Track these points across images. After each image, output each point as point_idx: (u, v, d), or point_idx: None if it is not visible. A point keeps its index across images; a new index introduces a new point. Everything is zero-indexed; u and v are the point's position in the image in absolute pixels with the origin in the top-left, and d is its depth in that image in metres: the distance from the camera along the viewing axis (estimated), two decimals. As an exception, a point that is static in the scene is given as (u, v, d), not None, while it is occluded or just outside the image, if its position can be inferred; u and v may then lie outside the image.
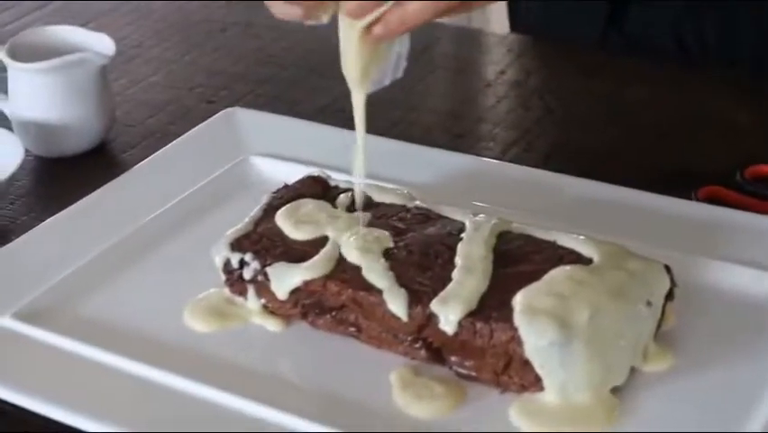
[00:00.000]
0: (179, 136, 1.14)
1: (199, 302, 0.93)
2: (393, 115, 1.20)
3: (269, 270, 0.89)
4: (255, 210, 0.95)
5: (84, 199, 1.05)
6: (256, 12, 1.47)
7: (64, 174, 1.14)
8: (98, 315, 0.93)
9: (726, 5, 1.25)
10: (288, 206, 0.94)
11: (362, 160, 0.91)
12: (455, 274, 0.86)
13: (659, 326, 0.87)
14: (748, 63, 1.26)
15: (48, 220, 1.02)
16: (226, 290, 0.93)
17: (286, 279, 0.88)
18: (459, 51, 1.39)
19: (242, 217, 0.95)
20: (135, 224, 1.01)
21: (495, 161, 1.10)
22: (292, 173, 1.01)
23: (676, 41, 1.30)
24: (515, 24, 1.45)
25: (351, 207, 0.94)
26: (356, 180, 0.93)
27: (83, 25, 1.29)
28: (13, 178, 1.05)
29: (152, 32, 1.43)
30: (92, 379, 0.86)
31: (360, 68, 0.87)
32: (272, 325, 0.90)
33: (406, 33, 0.86)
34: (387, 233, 0.90)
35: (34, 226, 1.02)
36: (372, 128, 1.12)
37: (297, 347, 0.89)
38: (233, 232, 0.93)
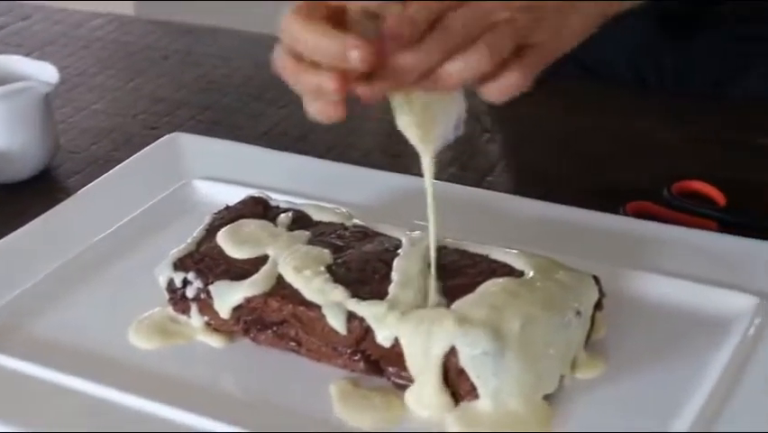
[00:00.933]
0: (123, 162, 1.17)
1: (144, 321, 0.95)
2: (330, 138, 1.23)
3: (211, 288, 0.92)
4: (197, 231, 0.97)
5: (29, 224, 1.06)
6: (196, 40, 1.50)
7: (8, 200, 1.16)
8: (46, 335, 0.94)
9: (683, 37, 1.29)
10: (229, 226, 0.97)
11: (433, 219, 0.90)
12: (391, 289, 0.88)
13: (589, 335, 0.90)
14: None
15: (-8, 245, 1.04)
16: (170, 309, 0.95)
17: (228, 296, 0.91)
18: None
19: (185, 239, 0.97)
20: (81, 246, 1.03)
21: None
22: (233, 196, 1.03)
23: (634, 72, 1.34)
24: None
25: (291, 226, 0.97)
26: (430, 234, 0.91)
27: (26, 55, 1.32)
28: (-43, 204, 1.07)
29: (95, 61, 1.45)
30: (39, 396, 0.88)
31: (426, 132, 0.86)
32: (215, 341, 0.93)
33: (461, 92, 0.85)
34: (326, 250, 0.93)
35: (-22, 251, 1.03)
36: (312, 151, 1.15)
37: (239, 362, 0.91)
38: (176, 252, 0.95)
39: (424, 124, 0.85)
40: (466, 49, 0.80)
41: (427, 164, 0.88)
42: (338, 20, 0.81)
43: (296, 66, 0.82)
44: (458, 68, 0.80)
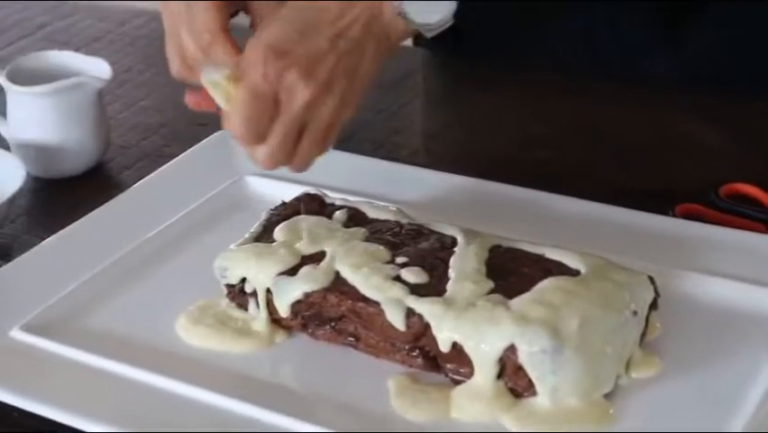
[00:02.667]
0: (173, 157, 1.18)
1: (198, 314, 0.96)
2: (377, 137, 1.24)
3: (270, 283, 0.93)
4: (255, 226, 0.98)
5: (83, 219, 1.08)
6: (241, 36, 1.50)
7: (62, 194, 1.17)
8: (102, 327, 0.96)
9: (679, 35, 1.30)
10: (286, 222, 0.98)
11: None
12: (450, 286, 0.89)
13: (644, 334, 0.91)
14: (718, 86, 1.29)
15: (50, 238, 1.05)
16: (226, 302, 0.96)
17: (287, 292, 0.92)
18: (441, 80, 1.43)
19: (238, 235, 0.98)
20: (135, 241, 1.05)
21: (480, 179, 1.13)
22: (285, 192, 1.04)
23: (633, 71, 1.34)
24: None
25: (347, 223, 0.98)
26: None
27: (74, 51, 1.32)
28: (14, 198, 1.08)
29: (141, 58, 1.47)
30: (94, 384, 0.90)
31: None
32: (273, 336, 0.94)
33: None
34: (382, 247, 0.94)
35: (35, 245, 1.05)
36: (360, 149, 1.16)
37: (297, 356, 0.93)
38: (234, 246, 0.96)
39: None
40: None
41: None
42: None
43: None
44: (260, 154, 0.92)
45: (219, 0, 0.95)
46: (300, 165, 0.93)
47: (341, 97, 0.90)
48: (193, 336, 0.94)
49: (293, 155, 0.92)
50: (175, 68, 0.98)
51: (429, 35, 0.94)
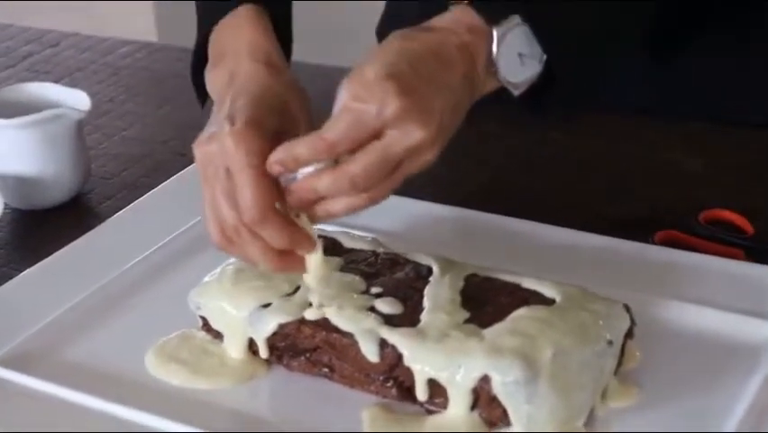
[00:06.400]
0: (153, 188, 1.18)
1: (171, 346, 0.96)
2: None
3: (245, 315, 0.93)
4: (230, 259, 0.98)
5: (63, 249, 1.08)
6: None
7: (41, 226, 1.17)
8: (78, 360, 0.95)
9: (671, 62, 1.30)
10: (261, 253, 0.98)
11: None
12: (423, 316, 0.89)
13: (620, 363, 0.91)
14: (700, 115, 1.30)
15: (29, 270, 1.05)
16: (202, 333, 0.96)
17: (262, 323, 0.92)
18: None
19: (217, 265, 0.98)
20: (113, 272, 1.05)
21: (458, 208, 1.13)
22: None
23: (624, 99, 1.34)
24: None
25: (323, 253, 0.97)
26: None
27: (55, 82, 1.33)
28: (-8, 230, 1.08)
29: (124, 88, 1.47)
30: (71, 420, 0.89)
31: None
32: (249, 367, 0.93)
33: None
34: (357, 277, 0.94)
35: (13, 276, 1.05)
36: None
37: (273, 387, 0.92)
38: (209, 279, 0.96)
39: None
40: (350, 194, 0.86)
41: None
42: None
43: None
44: (340, 206, 0.87)
45: (264, 170, 0.86)
46: (377, 199, 0.87)
47: (440, 147, 0.88)
48: (163, 373, 0.94)
49: (373, 187, 0.86)
50: (216, 238, 0.89)
51: (516, 93, 0.94)
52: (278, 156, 0.85)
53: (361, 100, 0.84)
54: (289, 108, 0.92)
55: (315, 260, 0.89)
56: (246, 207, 0.85)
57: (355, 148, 0.84)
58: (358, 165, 0.84)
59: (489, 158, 1.26)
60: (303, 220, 0.88)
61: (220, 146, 0.86)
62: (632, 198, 1.17)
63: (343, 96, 0.85)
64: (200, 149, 0.89)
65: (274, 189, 0.86)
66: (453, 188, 1.19)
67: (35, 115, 1.16)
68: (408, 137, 0.84)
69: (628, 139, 1.28)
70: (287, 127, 0.89)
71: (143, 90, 1.47)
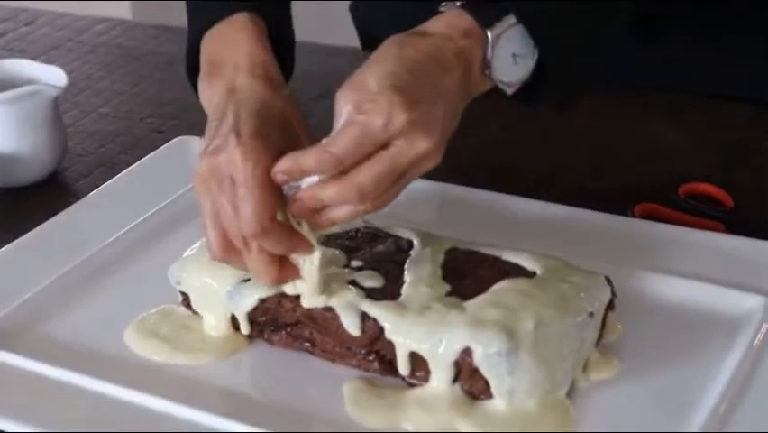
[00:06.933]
0: (131, 165, 1.17)
1: (151, 322, 0.95)
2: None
3: (226, 289, 0.92)
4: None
5: (39, 227, 1.07)
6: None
7: (17, 203, 1.16)
8: (57, 337, 0.95)
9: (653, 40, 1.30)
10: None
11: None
12: (404, 289, 0.89)
13: (600, 336, 0.91)
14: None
15: (5, 247, 1.04)
16: (182, 309, 0.95)
17: (243, 298, 0.91)
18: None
19: (194, 241, 0.97)
20: (91, 249, 1.04)
21: (438, 182, 1.13)
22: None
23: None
24: None
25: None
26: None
27: (32, 60, 1.32)
28: (-32, 208, 1.08)
29: (100, 65, 1.46)
30: (51, 396, 0.89)
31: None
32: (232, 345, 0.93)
33: None
34: (338, 251, 0.93)
35: (-10, 254, 1.04)
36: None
37: (253, 363, 0.92)
38: (189, 253, 0.95)
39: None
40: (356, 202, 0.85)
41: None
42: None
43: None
44: (343, 213, 0.86)
45: (267, 182, 0.85)
46: (381, 207, 0.87)
47: (442, 153, 0.88)
48: (143, 349, 0.93)
49: (378, 196, 0.87)
50: (217, 249, 0.88)
51: (510, 91, 0.94)
52: (284, 165, 0.85)
53: (366, 113, 0.84)
54: (290, 123, 0.91)
55: (312, 267, 0.89)
56: (247, 220, 0.84)
57: (361, 159, 0.84)
58: (365, 175, 0.84)
59: (469, 131, 1.25)
60: (304, 228, 0.87)
61: (227, 158, 0.86)
62: (612, 171, 1.17)
63: (347, 109, 0.85)
64: (206, 160, 0.87)
65: (276, 201, 0.86)
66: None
67: (11, 91, 1.15)
68: (415, 148, 0.85)
69: (610, 112, 1.28)
70: (289, 142, 0.89)
71: (119, 68, 1.46)
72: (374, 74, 0.85)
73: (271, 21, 0.99)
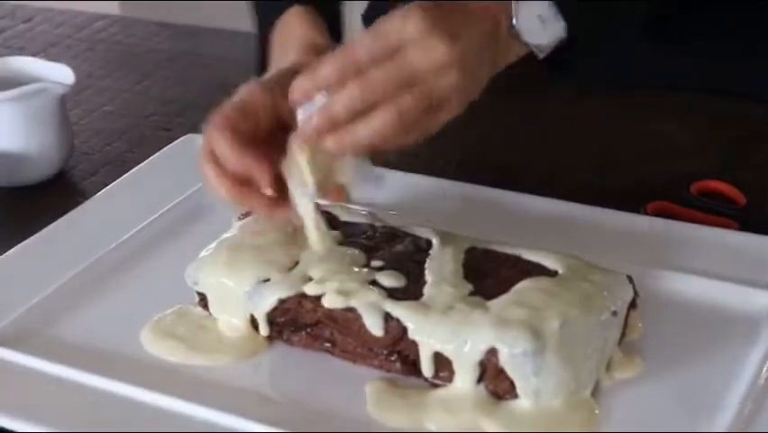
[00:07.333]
0: (138, 163, 1.16)
1: (167, 322, 0.94)
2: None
3: (244, 290, 0.91)
4: (227, 233, 0.97)
5: (48, 228, 1.06)
6: (202, 42, 1.49)
7: (25, 202, 1.15)
8: (67, 337, 0.94)
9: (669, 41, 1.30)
10: (257, 228, 0.96)
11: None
12: (427, 289, 0.88)
13: (623, 334, 0.90)
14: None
15: (13, 249, 1.03)
16: (198, 309, 0.94)
17: (262, 298, 0.90)
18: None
19: (209, 240, 0.97)
20: (104, 249, 1.03)
21: (450, 180, 1.12)
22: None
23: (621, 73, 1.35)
24: None
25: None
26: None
27: (33, 57, 1.30)
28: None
29: (101, 63, 1.45)
30: (62, 396, 0.88)
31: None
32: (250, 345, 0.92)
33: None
34: (357, 251, 0.93)
35: (-2, 255, 1.03)
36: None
37: (273, 364, 0.91)
38: (206, 254, 0.94)
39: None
40: (376, 110, 0.85)
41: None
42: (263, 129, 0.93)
43: (220, 177, 0.92)
44: (363, 131, 0.86)
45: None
46: (401, 132, 0.87)
47: (464, 75, 0.87)
48: (161, 351, 0.92)
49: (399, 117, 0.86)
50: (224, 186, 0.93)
51: (541, 55, 0.95)
52: (301, 82, 0.87)
53: (384, 22, 0.86)
54: None
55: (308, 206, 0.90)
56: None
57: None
58: (381, 72, 0.85)
59: (479, 130, 1.25)
60: (302, 163, 0.89)
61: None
62: (624, 169, 1.17)
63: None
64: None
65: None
66: (447, 162, 1.18)
67: (18, 89, 1.14)
68: (431, 51, 0.85)
69: (620, 110, 1.27)
70: None
71: (121, 65, 1.45)
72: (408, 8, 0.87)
73: (326, 13, 1.06)
